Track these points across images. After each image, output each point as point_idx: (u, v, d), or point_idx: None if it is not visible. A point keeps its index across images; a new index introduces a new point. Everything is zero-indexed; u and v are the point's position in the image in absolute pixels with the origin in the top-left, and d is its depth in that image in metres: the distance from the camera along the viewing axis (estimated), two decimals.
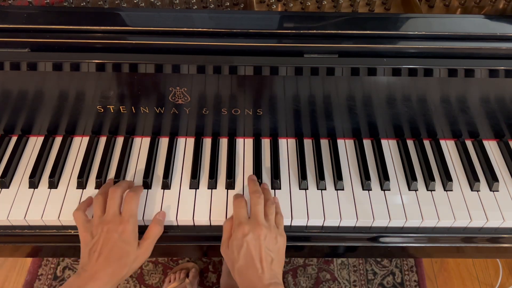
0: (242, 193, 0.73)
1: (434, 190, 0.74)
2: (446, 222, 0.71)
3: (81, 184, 0.73)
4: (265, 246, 0.61)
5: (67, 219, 0.70)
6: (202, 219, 0.70)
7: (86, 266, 0.61)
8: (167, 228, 0.71)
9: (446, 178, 0.74)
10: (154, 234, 0.67)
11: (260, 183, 0.74)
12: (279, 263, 0.63)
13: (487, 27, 0.69)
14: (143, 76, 0.67)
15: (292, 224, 0.71)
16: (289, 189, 0.74)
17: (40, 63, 0.64)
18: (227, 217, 0.70)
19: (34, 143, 0.79)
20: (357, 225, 0.71)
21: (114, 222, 0.63)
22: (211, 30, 0.68)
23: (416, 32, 0.68)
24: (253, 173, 0.75)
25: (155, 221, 0.68)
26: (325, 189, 0.74)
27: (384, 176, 0.74)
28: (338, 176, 0.74)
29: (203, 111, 0.74)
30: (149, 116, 0.75)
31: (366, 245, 0.74)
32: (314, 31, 0.68)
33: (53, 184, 0.73)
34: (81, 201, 0.71)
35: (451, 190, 0.74)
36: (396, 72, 0.66)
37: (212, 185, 0.73)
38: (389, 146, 0.80)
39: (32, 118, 0.76)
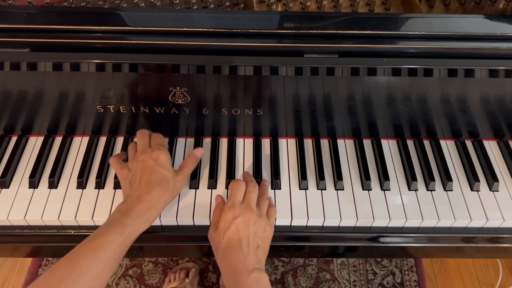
0: None
1: (434, 190, 0.74)
2: (446, 222, 0.71)
3: (81, 184, 0.73)
4: (253, 231, 0.61)
5: (67, 219, 0.70)
6: (202, 219, 0.70)
7: (130, 192, 0.64)
8: (168, 228, 0.71)
9: (446, 178, 0.74)
10: (188, 164, 0.70)
11: (261, 180, 0.74)
12: (264, 251, 0.63)
13: (487, 27, 0.69)
14: (143, 76, 0.67)
15: (292, 224, 0.71)
16: (289, 189, 0.74)
17: (40, 63, 0.64)
18: None
19: (34, 143, 0.79)
20: (357, 225, 0.71)
21: (146, 152, 0.67)
22: (211, 30, 0.68)
23: (416, 32, 0.68)
24: (253, 173, 0.75)
25: (190, 155, 0.72)
26: (325, 189, 0.74)
27: (384, 176, 0.74)
28: (338, 176, 0.74)
29: (203, 111, 0.74)
30: (149, 116, 0.75)
31: (366, 245, 0.74)
32: (314, 31, 0.68)
33: (53, 184, 0.73)
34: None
35: (451, 190, 0.74)
36: (396, 72, 0.66)
37: (212, 185, 0.73)
38: (389, 146, 0.80)
39: (32, 118, 0.76)
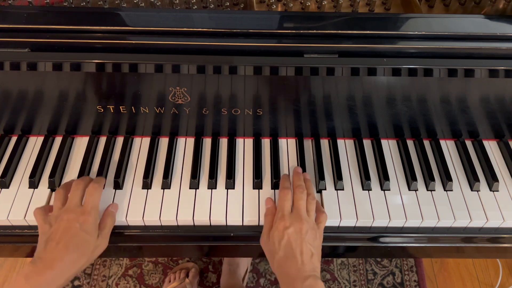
0: (241, 194, 0.73)
1: (434, 190, 0.74)
2: (446, 222, 0.71)
3: None
4: (306, 240, 0.62)
5: None
6: (202, 219, 0.70)
7: (43, 254, 0.59)
8: (167, 228, 0.71)
9: (446, 178, 0.74)
10: (108, 224, 0.66)
11: (260, 180, 0.73)
12: (318, 258, 0.64)
13: (487, 27, 0.69)
14: (143, 76, 0.67)
15: None
16: None
17: (40, 63, 0.64)
18: (227, 216, 0.70)
19: (34, 143, 0.79)
20: (357, 225, 0.71)
21: (75, 212, 0.63)
22: (211, 30, 0.68)
23: (416, 32, 0.68)
24: (253, 174, 0.75)
25: (107, 213, 0.68)
26: (325, 189, 0.74)
27: (384, 176, 0.74)
28: (338, 176, 0.74)
29: (203, 111, 0.74)
30: (149, 116, 0.75)
31: (366, 245, 0.74)
32: (314, 31, 0.68)
33: (53, 184, 0.73)
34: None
35: (451, 190, 0.74)
36: (396, 72, 0.66)
37: (212, 185, 0.73)
38: (389, 146, 0.80)
39: (32, 118, 0.76)
